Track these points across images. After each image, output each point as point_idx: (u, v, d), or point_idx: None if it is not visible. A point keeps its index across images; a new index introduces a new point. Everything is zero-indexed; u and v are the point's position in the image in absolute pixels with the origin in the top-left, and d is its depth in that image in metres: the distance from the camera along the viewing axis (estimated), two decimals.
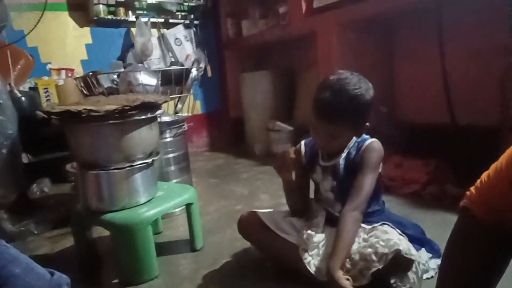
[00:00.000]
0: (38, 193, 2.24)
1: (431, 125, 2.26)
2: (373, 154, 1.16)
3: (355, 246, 1.09)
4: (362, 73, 1.15)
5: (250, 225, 1.30)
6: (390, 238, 1.04)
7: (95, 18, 2.96)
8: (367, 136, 1.21)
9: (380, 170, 1.20)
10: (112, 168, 1.28)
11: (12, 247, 0.71)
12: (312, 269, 1.11)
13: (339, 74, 1.13)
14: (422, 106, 2.35)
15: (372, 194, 1.16)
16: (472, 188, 0.70)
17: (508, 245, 0.68)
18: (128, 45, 3.18)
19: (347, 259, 1.07)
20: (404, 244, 1.02)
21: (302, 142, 1.33)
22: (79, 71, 2.91)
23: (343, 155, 1.21)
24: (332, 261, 1.03)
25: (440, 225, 1.50)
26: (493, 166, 0.67)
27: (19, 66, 2.50)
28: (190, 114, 2.19)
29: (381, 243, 1.02)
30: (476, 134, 1.90)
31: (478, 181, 0.69)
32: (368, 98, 1.11)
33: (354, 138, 1.21)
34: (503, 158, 0.65)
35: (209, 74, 3.49)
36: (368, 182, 1.13)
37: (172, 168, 1.97)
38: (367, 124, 1.16)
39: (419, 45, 2.31)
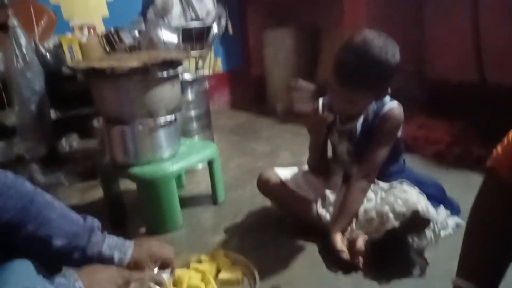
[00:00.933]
0: (66, 147, 2.33)
1: (459, 84, 2.17)
2: (390, 123, 1.12)
3: (371, 204, 1.11)
4: (390, 30, 1.06)
5: (269, 183, 1.32)
6: (408, 197, 1.04)
7: None
8: (387, 99, 1.15)
9: (399, 134, 1.17)
10: (136, 123, 1.32)
11: (47, 193, 0.76)
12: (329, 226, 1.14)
13: (364, 35, 1.03)
14: (452, 64, 2.25)
15: (391, 155, 1.16)
16: (499, 148, 0.67)
17: None
18: (149, 0, 3.13)
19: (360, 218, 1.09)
20: (422, 203, 1.02)
21: (320, 101, 1.28)
22: (101, 28, 2.91)
23: (360, 119, 1.17)
24: (333, 225, 1.09)
25: (463, 186, 1.48)
26: None
27: (42, 23, 2.52)
28: (211, 72, 2.18)
29: (399, 201, 1.04)
30: (505, 94, 1.82)
31: (505, 139, 0.66)
32: (393, 63, 1.03)
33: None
34: None
35: (230, 31, 3.40)
36: (380, 153, 1.12)
37: (194, 125, 2.00)
38: (389, 89, 1.10)
39: (452, 1, 2.17)
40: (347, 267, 1.03)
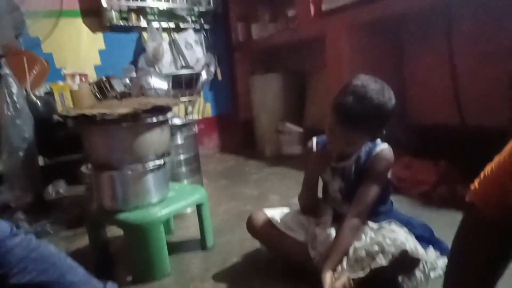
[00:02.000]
0: (53, 194, 2.30)
1: (441, 126, 2.25)
2: (381, 164, 1.16)
3: (360, 244, 1.11)
4: (371, 75, 1.13)
5: (259, 224, 1.32)
6: (397, 237, 1.05)
7: (108, 24, 3.03)
8: (378, 141, 1.20)
9: (389, 175, 1.21)
10: (125, 169, 1.32)
11: (69, 258, 0.76)
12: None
13: (362, 80, 1.09)
14: (432, 108, 2.35)
15: (380, 196, 1.18)
16: (476, 182, 0.70)
17: None
18: (140, 49, 3.24)
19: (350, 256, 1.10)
20: (411, 243, 1.03)
21: (314, 139, 1.32)
22: (92, 76, 2.98)
23: (353, 158, 1.21)
24: (325, 262, 1.09)
25: (450, 226, 1.46)
26: (496, 159, 0.66)
27: (34, 72, 2.57)
28: (200, 117, 2.23)
29: (388, 241, 1.04)
30: (486, 135, 1.89)
31: (482, 174, 0.69)
32: (390, 107, 1.09)
33: None
34: (506, 151, 0.65)
35: (219, 77, 3.53)
36: (372, 192, 1.15)
37: (183, 169, 2.01)
38: (383, 132, 1.15)
39: (429, 47, 2.31)
40: None
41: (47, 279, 0.70)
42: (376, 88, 1.07)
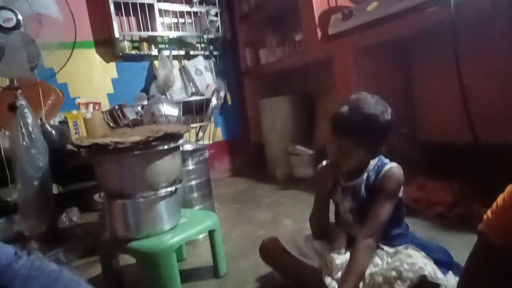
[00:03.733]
0: (67, 222, 2.31)
1: (453, 145, 2.22)
2: (391, 182, 1.16)
3: (376, 269, 1.08)
4: (380, 96, 1.18)
5: (272, 251, 1.30)
6: (414, 262, 1.02)
7: (120, 53, 3.12)
8: (387, 160, 1.21)
9: (400, 194, 1.19)
10: (137, 197, 1.33)
11: (72, 274, 0.79)
12: None
13: (360, 94, 1.17)
14: (443, 126, 2.33)
15: (394, 218, 1.16)
16: (489, 212, 0.69)
17: None
18: (152, 77, 3.32)
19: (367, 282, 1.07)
20: (429, 268, 1.00)
21: (324, 162, 1.33)
22: (106, 104, 3.05)
23: (363, 177, 1.21)
24: (340, 286, 1.07)
25: (468, 247, 1.44)
26: (508, 188, 0.66)
27: (50, 102, 2.64)
28: (211, 142, 2.25)
29: (406, 266, 1.01)
30: (499, 151, 1.86)
31: (494, 204, 0.68)
32: (383, 120, 1.12)
33: (374, 161, 1.21)
34: None
35: (229, 101, 3.57)
36: (384, 211, 1.14)
37: (195, 195, 2.01)
38: (383, 148, 1.17)
39: (436, 65, 2.31)
40: None
41: None
42: (371, 101, 1.14)
